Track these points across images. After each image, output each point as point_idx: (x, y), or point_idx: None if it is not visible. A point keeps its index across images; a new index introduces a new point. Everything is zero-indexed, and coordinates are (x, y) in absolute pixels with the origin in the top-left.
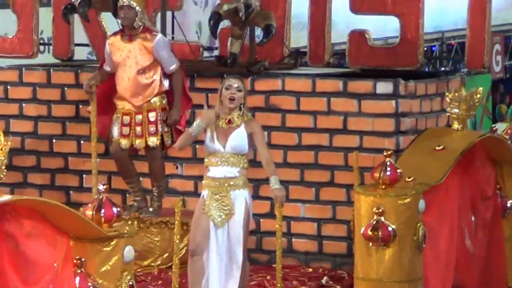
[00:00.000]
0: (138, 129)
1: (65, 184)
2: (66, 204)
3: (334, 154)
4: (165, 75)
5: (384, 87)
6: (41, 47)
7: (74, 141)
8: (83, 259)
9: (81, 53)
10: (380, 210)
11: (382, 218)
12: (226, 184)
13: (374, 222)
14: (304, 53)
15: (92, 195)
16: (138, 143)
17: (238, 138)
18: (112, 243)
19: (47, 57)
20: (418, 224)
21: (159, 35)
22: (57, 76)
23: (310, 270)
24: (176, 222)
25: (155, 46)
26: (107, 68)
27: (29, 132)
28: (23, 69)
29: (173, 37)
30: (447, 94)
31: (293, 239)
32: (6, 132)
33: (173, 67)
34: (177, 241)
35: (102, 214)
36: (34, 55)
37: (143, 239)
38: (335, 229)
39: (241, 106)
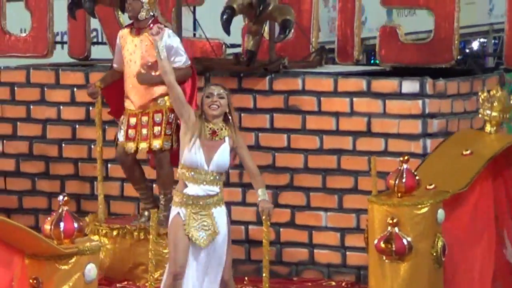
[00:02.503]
0: (144, 131)
1: (76, 191)
2: (77, 212)
3: (358, 159)
4: None
5: (410, 86)
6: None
7: (84, 146)
8: (39, 279)
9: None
10: (394, 221)
11: (396, 229)
12: (207, 203)
13: (388, 234)
14: (330, 50)
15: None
16: (142, 146)
17: (223, 155)
18: (72, 260)
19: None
20: (437, 236)
21: (167, 29)
22: (66, 77)
23: (333, 283)
24: (151, 237)
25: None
26: (115, 65)
27: (37, 136)
28: (31, 69)
29: (194, 34)
30: (479, 94)
31: (314, 250)
32: (13, 136)
33: (179, 63)
34: (153, 261)
35: (61, 229)
36: (49, 55)
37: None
38: (359, 239)
39: (228, 116)
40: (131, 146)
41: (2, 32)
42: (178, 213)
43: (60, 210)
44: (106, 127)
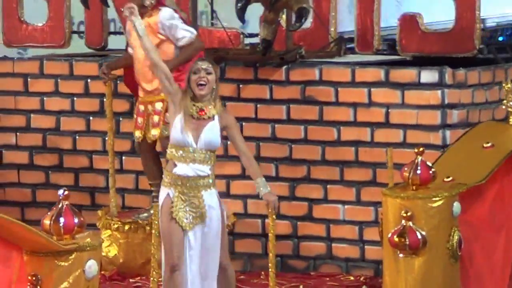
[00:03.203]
0: (156, 118)
1: (90, 184)
2: (91, 206)
3: (376, 150)
4: None
5: (429, 75)
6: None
7: (99, 138)
8: (39, 276)
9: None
10: (408, 214)
11: (410, 223)
12: (197, 184)
13: (401, 228)
14: (349, 39)
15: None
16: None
17: (212, 132)
18: (71, 257)
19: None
20: (453, 230)
21: (164, 8)
22: (80, 67)
23: (351, 278)
24: (153, 231)
25: (160, 21)
26: (129, 50)
27: (51, 128)
28: (44, 60)
29: (212, 23)
30: (503, 85)
31: (332, 244)
32: (27, 128)
33: (184, 41)
34: (156, 255)
35: (61, 224)
36: (66, 44)
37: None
38: (377, 233)
39: (214, 91)
40: (138, 134)
41: (19, 21)
42: (168, 194)
43: (60, 205)
44: (120, 118)
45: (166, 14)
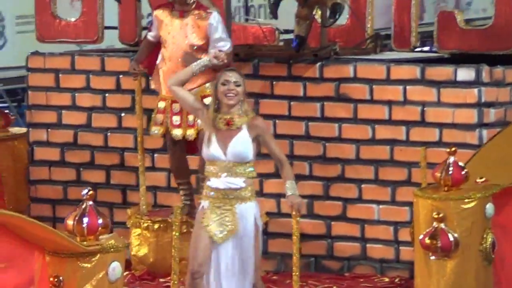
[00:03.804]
0: (191, 118)
1: (121, 182)
2: (122, 204)
3: (411, 149)
4: None
5: (465, 73)
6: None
7: (130, 135)
8: (61, 278)
9: None
10: (439, 216)
11: (442, 225)
12: (230, 196)
13: (433, 229)
14: (386, 36)
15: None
16: (175, 133)
17: (241, 144)
18: (94, 258)
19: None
20: (486, 232)
21: (215, 13)
22: (112, 63)
23: (386, 279)
24: (174, 236)
25: (210, 24)
26: (150, 37)
27: (82, 124)
28: (75, 55)
29: (246, 19)
30: None
31: (367, 245)
32: (58, 125)
33: (225, 49)
34: (177, 258)
35: (84, 225)
36: (99, 40)
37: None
38: None
39: (241, 103)
40: (155, 130)
41: (52, 17)
42: (202, 206)
43: (84, 205)
44: (153, 115)
45: (217, 21)
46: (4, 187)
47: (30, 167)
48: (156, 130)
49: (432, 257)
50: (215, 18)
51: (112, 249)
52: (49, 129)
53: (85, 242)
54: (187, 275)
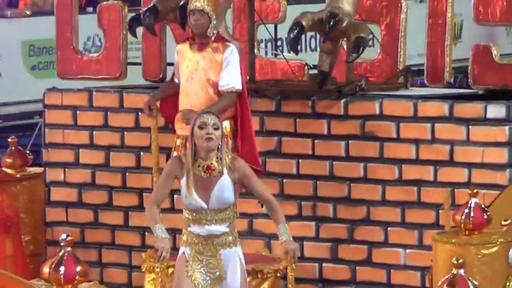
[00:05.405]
0: None
1: (140, 224)
2: (141, 247)
3: (439, 190)
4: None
5: (496, 110)
6: None
7: (149, 175)
8: None
9: None
10: (459, 262)
11: (462, 271)
12: (213, 242)
13: (452, 276)
14: (417, 72)
15: None
16: None
17: (223, 190)
18: None
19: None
20: (509, 279)
21: (232, 46)
22: (131, 99)
23: None
24: (160, 279)
25: (225, 58)
26: (176, 80)
27: (100, 163)
28: (93, 91)
29: (276, 54)
30: None
31: None
32: (75, 164)
33: (225, 87)
34: None
35: (61, 273)
36: (122, 76)
37: None
38: None
39: (219, 147)
40: None
41: (74, 52)
42: (183, 252)
43: (61, 252)
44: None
45: (233, 55)
46: (22, 229)
47: (46, 208)
48: None
49: None
50: (231, 52)
51: None
52: (66, 168)
53: None
54: None
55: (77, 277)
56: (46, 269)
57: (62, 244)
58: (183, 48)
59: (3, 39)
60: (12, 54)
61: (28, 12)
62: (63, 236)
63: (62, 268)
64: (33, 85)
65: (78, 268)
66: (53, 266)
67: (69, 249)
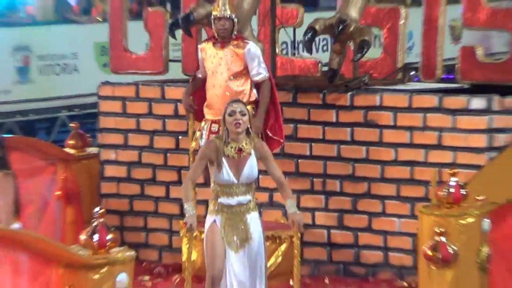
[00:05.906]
0: None
1: (179, 196)
2: (180, 215)
3: (429, 170)
4: (255, 85)
5: (478, 102)
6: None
7: (186, 155)
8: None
9: None
10: (440, 230)
11: (443, 239)
12: (240, 210)
13: (435, 243)
14: (413, 69)
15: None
16: None
17: (251, 168)
18: (102, 270)
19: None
20: (482, 245)
21: (251, 43)
22: (171, 92)
23: (405, 284)
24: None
25: (246, 53)
26: (199, 75)
27: (146, 145)
28: (140, 85)
29: (294, 54)
30: None
31: (389, 253)
32: (125, 146)
33: (259, 77)
34: (189, 268)
35: (95, 240)
36: (164, 71)
37: None
38: None
39: (249, 129)
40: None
41: (124, 51)
42: (214, 220)
43: (95, 223)
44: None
45: (252, 50)
46: (82, 200)
47: (101, 182)
48: (193, 144)
49: (434, 267)
50: (252, 47)
51: (119, 262)
52: (117, 150)
53: (94, 256)
54: (206, 280)
55: (108, 243)
56: (82, 237)
57: (95, 216)
58: (206, 46)
59: (79, 42)
60: (86, 54)
61: (99, 19)
62: (96, 209)
63: (95, 236)
64: (104, 79)
65: (109, 236)
66: (88, 234)
67: (101, 220)
